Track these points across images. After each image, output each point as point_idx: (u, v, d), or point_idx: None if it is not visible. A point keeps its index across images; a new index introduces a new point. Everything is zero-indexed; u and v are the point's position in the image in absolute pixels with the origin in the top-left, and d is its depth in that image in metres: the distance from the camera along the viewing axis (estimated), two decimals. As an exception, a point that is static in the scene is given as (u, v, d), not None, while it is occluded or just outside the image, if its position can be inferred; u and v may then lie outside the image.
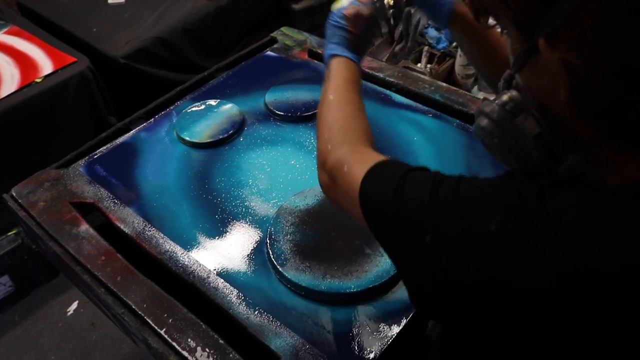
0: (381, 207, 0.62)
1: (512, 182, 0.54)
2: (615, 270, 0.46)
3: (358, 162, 0.69)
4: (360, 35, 0.90)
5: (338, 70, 0.86)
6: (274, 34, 1.73)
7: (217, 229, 1.11)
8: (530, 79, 0.57)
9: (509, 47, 0.59)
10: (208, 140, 1.32)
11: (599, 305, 0.47)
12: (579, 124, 0.53)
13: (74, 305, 2.10)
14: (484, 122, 0.60)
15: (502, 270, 0.50)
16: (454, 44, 1.97)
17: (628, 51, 0.47)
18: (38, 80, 2.00)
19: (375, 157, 0.69)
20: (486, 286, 0.51)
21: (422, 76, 1.52)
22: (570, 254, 0.47)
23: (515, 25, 0.55)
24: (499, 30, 0.62)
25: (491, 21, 0.61)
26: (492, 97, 0.61)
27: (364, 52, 0.92)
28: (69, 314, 2.08)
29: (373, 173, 0.66)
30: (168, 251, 1.07)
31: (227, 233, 1.10)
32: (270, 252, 1.02)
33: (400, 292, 0.97)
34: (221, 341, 0.91)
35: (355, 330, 0.91)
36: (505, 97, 0.58)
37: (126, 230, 1.13)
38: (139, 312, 0.97)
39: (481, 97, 1.50)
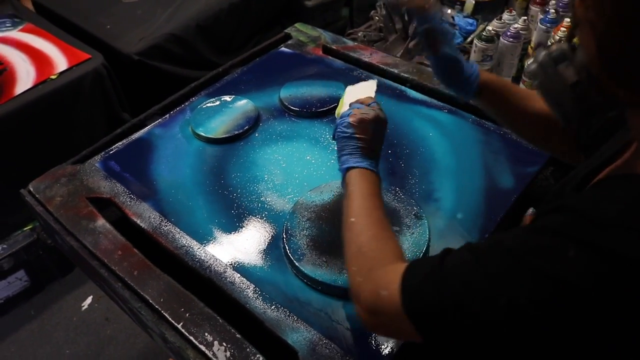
0: (436, 302, 0.58)
1: (560, 207, 0.54)
2: None
3: (392, 280, 0.64)
4: (371, 139, 0.87)
5: (356, 185, 0.83)
6: (288, 30, 1.73)
7: (233, 224, 1.11)
8: (579, 36, 0.60)
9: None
10: (223, 136, 1.32)
11: None
12: (612, 85, 0.55)
13: (89, 299, 2.12)
14: (532, 66, 0.66)
15: (597, 289, 0.49)
16: (468, 39, 1.96)
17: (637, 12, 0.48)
18: (53, 77, 2.01)
19: (403, 267, 0.66)
20: (591, 316, 0.49)
21: (437, 72, 1.52)
22: None
23: None
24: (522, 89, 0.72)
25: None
26: None
27: (379, 155, 0.88)
28: (83, 308, 2.09)
29: (407, 279, 0.63)
30: (184, 246, 1.08)
31: (243, 228, 1.11)
32: (287, 247, 1.02)
33: (417, 288, 0.97)
34: (238, 335, 0.91)
35: (371, 326, 0.91)
36: (554, 47, 0.64)
37: (142, 225, 1.14)
38: (156, 307, 0.97)
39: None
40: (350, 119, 0.87)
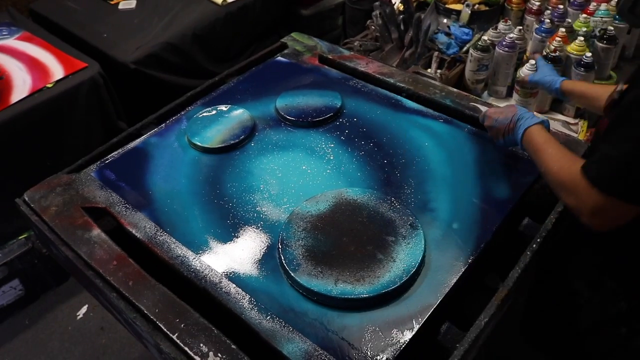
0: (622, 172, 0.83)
1: None
2: None
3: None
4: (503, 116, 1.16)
5: (533, 143, 1.06)
6: (284, 40, 1.73)
7: (229, 234, 1.11)
8: None
9: None
10: (219, 146, 1.32)
11: None
12: None
13: (84, 309, 2.11)
14: None
15: None
16: (464, 49, 1.96)
17: None
18: (49, 85, 2.01)
19: None
20: None
21: (433, 81, 1.52)
22: None
23: None
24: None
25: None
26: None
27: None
28: (78, 317, 2.08)
29: (589, 176, 0.87)
30: (180, 256, 1.08)
31: (239, 238, 1.10)
32: (282, 258, 1.02)
33: (413, 298, 0.97)
34: (233, 346, 0.91)
35: (367, 336, 0.91)
36: None
37: (138, 235, 1.13)
38: (151, 317, 0.97)
39: (492, 102, 1.49)
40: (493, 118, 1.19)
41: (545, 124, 1.10)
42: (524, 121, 1.10)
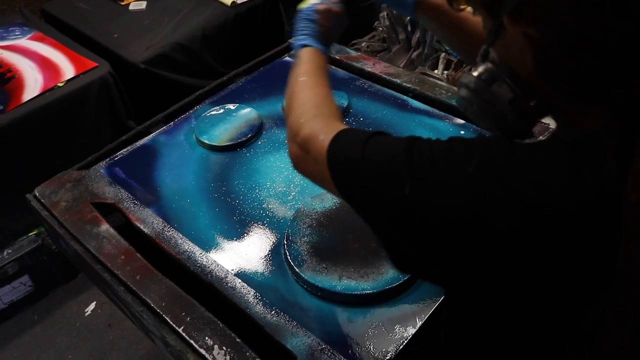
0: (350, 167, 0.67)
1: (488, 137, 0.62)
2: (570, 207, 0.52)
3: (331, 131, 0.72)
4: (330, 29, 0.94)
5: (309, 58, 0.89)
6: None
7: (235, 231, 1.13)
8: (502, 51, 0.63)
9: (483, 25, 0.66)
10: (227, 144, 1.34)
11: (555, 239, 0.53)
12: (547, 90, 0.59)
13: (92, 305, 2.13)
14: (463, 92, 0.67)
15: (480, 208, 0.54)
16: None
17: (577, 24, 0.52)
18: (60, 84, 2.04)
19: (342, 126, 0.74)
20: (467, 226, 0.55)
21: (439, 82, 1.53)
22: (539, 192, 0.52)
23: (483, 5, 0.62)
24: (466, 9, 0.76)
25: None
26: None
27: (330, 45, 0.97)
28: (86, 314, 2.11)
29: (340, 136, 0.70)
30: (187, 251, 1.09)
31: (245, 234, 1.12)
32: (288, 253, 1.03)
33: (416, 294, 0.98)
34: (238, 340, 0.92)
35: (370, 332, 0.92)
36: (480, 69, 0.65)
37: (146, 230, 1.15)
38: (158, 311, 0.98)
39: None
40: (318, 7, 0.94)
41: (324, 51, 0.91)
42: (300, 38, 0.92)
